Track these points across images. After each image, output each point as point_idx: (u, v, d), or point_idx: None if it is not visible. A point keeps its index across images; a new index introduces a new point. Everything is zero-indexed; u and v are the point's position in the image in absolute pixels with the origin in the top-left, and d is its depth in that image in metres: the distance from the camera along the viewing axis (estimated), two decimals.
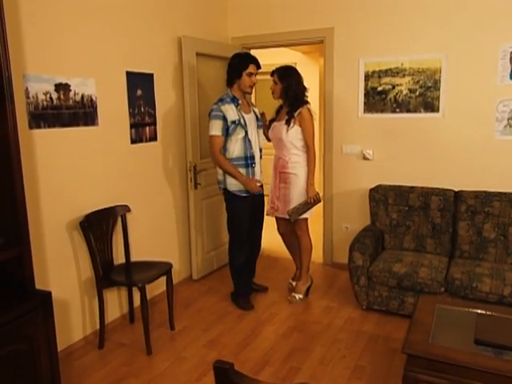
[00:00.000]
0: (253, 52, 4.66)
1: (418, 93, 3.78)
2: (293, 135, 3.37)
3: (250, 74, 3.32)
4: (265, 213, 3.65)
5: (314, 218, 5.64)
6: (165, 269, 3.04)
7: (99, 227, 2.97)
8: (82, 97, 2.92)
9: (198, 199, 3.95)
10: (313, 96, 5.07)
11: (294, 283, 3.74)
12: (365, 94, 3.99)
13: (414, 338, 2.21)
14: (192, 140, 3.85)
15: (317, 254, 4.47)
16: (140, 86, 3.41)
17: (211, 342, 3.01)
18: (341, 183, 4.18)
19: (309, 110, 3.37)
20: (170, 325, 3.18)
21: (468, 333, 2.25)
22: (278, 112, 3.58)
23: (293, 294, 3.61)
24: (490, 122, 3.53)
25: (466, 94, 3.61)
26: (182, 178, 3.93)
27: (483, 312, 2.42)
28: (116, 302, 3.28)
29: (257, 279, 3.87)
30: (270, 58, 6.66)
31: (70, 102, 2.83)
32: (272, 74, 3.48)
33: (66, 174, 2.83)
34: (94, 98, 3.00)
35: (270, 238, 5.15)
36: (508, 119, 3.48)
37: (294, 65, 6.74)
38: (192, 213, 3.93)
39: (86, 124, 2.96)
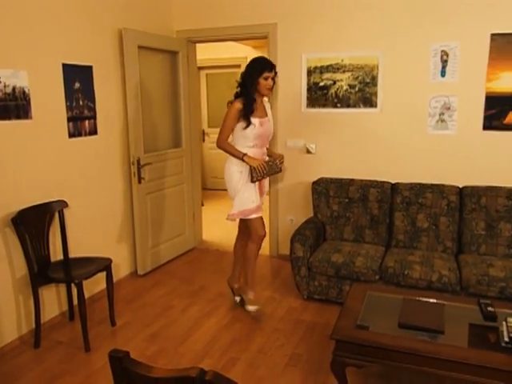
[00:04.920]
0: (198, 46, 4.68)
1: (357, 88, 3.90)
2: None
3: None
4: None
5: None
6: (104, 264, 3.01)
7: (34, 223, 2.89)
8: (14, 89, 2.83)
9: (142, 194, 3.92)
10: None
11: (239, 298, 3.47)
12: (307, 89, 4.07)
13: (342, 324, 2.30)
14: (135, 134, 3.81)
15: (263, 246, 4.54)
16: (78, 78, 3.34)
17: (152, 336, 3.01)
18: (286, 177, 4.25)
19: None
20: (111, 321, 3.15)
21: (394, 317, 2.36)
22: (248, 106, 3.06)
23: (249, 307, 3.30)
24: (423, 117, 3.70)
25: (401, 91, 3.76)
26: (126, 173, 3.88)
27: (409, 297, 2.55)
28: (55, 300, 3.22)
29: (204, 273, 3.89)
30: (219, 52, 6.70)
31: (0, 94, 2.74)
32: (274, 68, 3.12)
33: None
34: (26, 91, 2.91)
35: (219, 233, 5.20)
36: (439, 114, 3.66)
37: (244, 59, 6.86)
38: (136, 208, 3.90)
39: (18, 117, 2.87)
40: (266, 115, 3.21)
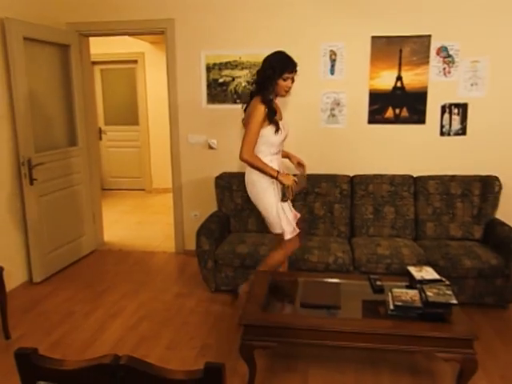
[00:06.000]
0: (92, 40, 4.48)
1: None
2: None
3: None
4: None
5: (164, 209, 5.70)
6: None
7: None
8: None
9: (34, 196, 3.66)
10: (163, 88, 5.09)
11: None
12: (207, 86, 4.12)
13: (248, 309, 2.40)
14: (24, 133, 3.54)
15: (169, 243, 4.53)
16: None
17: (54, 345, 2.84)
18: (189, 172, 4.26)
19: None
20: (5, 334, 2.91)
21: (296, 299, 2.52)
22: (272, 108, 2.75)
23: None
24: (316, 112, 3.96)
25: (296, 87, 3.90)
26: (15, 174, 3.59)
27: (309, 279, 2.74)
28: None
29: (108, 275, 3.75)
30: (115, 47, 6.46)
31: None
32: (296, 68, 2.79)
33: None
34: None
35: (121, 233, 5.06)
36: (331, 110, 3.94)
37: (141, 55, 6.70)
38: (28, 211, 3.63)
39: None
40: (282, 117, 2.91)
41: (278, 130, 2.72)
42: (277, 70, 2.68)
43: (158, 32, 4.23)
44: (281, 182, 2.73)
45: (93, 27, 4.19)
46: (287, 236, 2.86)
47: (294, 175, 2.84)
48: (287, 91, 2.78)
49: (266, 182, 2.78)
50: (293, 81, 2.78)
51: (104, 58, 6.58)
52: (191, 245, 4.28)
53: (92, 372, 0.97)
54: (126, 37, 5.96)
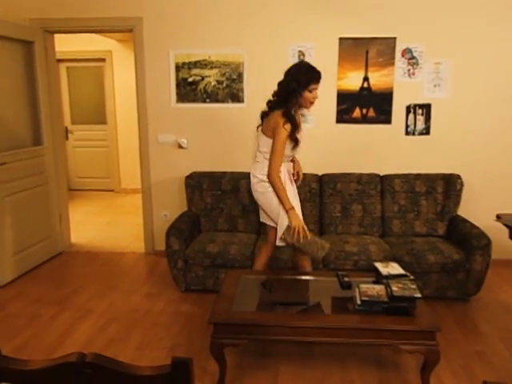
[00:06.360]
0: (57, 37, 4.38)
1: (224, 84, 4.05)
2: None
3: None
4: None
5: (134, 209, 5.64)
6: None
7: None
8: None
9: None
10: (132, 86, 5.03)
11: None
12: (177, 85, 4.10)
13: (219, 308, 2.41)
14: None
15: (138, 244, 4.48)
16: None
17: (18, 350, 2.76)
18: (158, 172, 4.23)
19: None
20: None
21: (266, 297, 2.54)
22: (295, 124, 2.73)
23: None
24: None
25: (265, 87, 3.94)
26: None
27: (279, 277, 2.76)
28: None
29: (75, 277, 3.68)
30: (82, 45, 6.34)
31: None
32: (320, 78, 2.76)
33: None
34: None
35: (89, 234, 4.97)
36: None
37: (109, 53, 6.59)
38: None
39: None
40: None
41: (296, 145, 2.73)
42: (301, 81, 2.64)
43: (125, 30, 4.18)
44: (289, 218, 2.68)
45: (58, 24, 4.10)
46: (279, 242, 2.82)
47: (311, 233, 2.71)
48: (312, 102, 2.73)
49: (271, 191, 2.77)
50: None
51: (70, 55, 6.43)
52: (161, 245, 4.24)
53: (58, 371, 0.96)
54: (93, 34, 5.86)
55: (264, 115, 2.88)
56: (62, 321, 3.12)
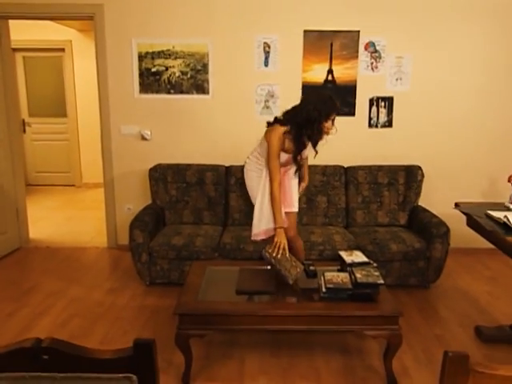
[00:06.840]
0: (13, 25, 4.19)
1: (189, 75, 3.99)
2: None
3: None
4: None
5: (96, 204, 5.49)
6: None
7: None
8: None
9: None
10: (93, 77, 4.90)
11: None
12: (140, 75, 4.00)
13: (184, 299, 2.38)
14: None
15: (101, 239, 4.36)
16: None
17: None
18: (121, 164, 4.13)
19: None
20: None
21: (232, 287, 2.53)
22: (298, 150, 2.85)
23: None
24: (251, 104, 3.99)
25: (230, 78, 3.98)
26: None
27: (244, 268, 2.75)
28: None
29: (34, 273, 3.54)
30: (39, 33, 6.09)
31: None
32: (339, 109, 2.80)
33: None
34: None
35: (49, 230, 4.80)
36: (265, 101, 3.99)
37: (68, 43, 6.38)
38: None
39: None
40: None
41: (294, 157, 2.84)
42: (322, 112, 2.65)
43: (85, 17, 4.04)
44: (275, 235, 2.73)
45: (12, 9, 3.91)
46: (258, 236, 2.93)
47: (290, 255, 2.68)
48: (327, 132, 2.74)
49: (252, 174, 2.98)
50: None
51: (27, 44, 6.16)
52: (124, 239, 4.15)
53: (13, 357, 0.92)
54: (52, 23, 5.66)
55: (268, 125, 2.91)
56: (21, 318, 3.00)
